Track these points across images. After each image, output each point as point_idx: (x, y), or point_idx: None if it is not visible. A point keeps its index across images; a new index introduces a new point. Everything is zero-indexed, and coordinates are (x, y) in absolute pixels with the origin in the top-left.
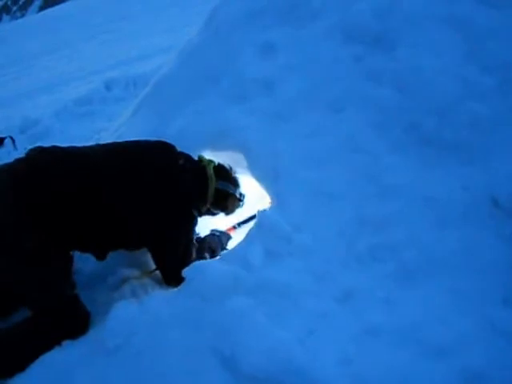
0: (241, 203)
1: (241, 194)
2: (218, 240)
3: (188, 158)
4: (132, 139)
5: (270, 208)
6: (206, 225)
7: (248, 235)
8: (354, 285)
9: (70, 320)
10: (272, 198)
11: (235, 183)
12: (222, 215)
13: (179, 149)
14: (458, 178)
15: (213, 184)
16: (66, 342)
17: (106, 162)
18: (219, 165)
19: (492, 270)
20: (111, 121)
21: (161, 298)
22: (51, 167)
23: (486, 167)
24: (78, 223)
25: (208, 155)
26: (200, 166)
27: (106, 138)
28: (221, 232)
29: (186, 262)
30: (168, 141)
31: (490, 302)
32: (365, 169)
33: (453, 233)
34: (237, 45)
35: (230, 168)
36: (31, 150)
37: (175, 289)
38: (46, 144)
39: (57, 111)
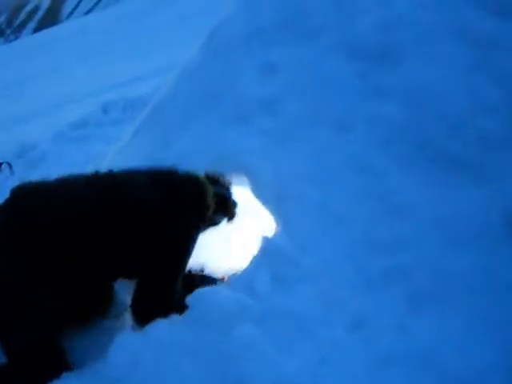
0: (235, 210)
1: (234, 201)
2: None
3: (174, 171)
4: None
5: (276, 231)
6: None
7: (253, 260)
8: (365, 310)
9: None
10: (277, 221)
11: (228, 188)
12: (224, 223)
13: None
14: (470, 196)
15: (210, 190)
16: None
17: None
18: (208, 174)
19: (507, 293)
20: (109, 144)
21: (164, 326)
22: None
23: (499, 185)
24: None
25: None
26: (192, 177)
27: (106, 162)
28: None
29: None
30: (169, 163)
31: (507, 326)
32: (373, 189)
33: (467, 254)
34: (237, 65)
35: (220, 175)
36: (14, 190)
37: (179, 317)
38: (44, 170)
39: (53, 135)
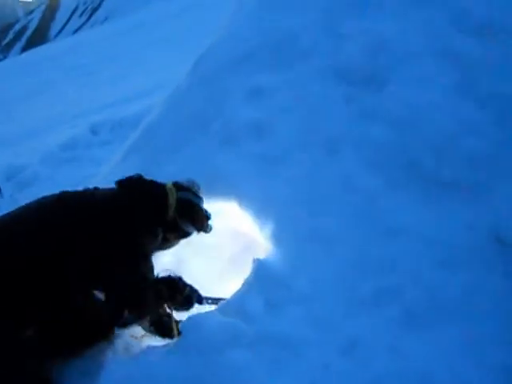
0: (209, 223)
1: (206, 211)
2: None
3: (134, 178)
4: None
5: (267, 254)
6: None
7: (245, 284)
8: (358, 332)
9: None
10: (268, 244)
11: (197, 195)
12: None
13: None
14: (460, 216)
15: (173, 193)
16: None
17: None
18: (176, 182)
19: (502, 311)
20: (99, 166)
21: (156, 353)
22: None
23: (488, 204)
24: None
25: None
26: (155, 185)
27: (95, 185)
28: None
29: (130, 301)
30: None
31: (503, 345)
32: (363, 210)
33: (458, 274)
34: (225, 89)
35: (191, 183)
36: None
37: (171, 343)
38: (33, 192)
39: (42, 157)
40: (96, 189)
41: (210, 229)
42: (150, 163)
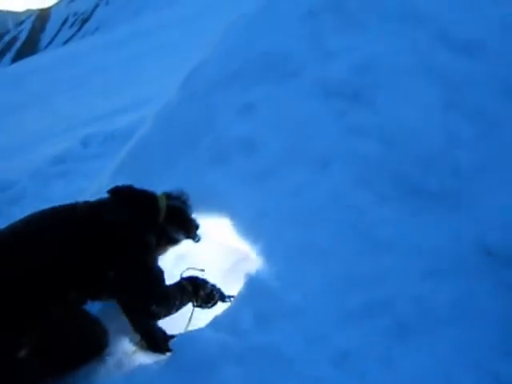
0: (197, 232)
1: (195, 220)
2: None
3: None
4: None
5: (258, 269)
6: None
7: (236, 299)
8: (349, 345)
9: None
10: (259, 259)
11: (186, 203)
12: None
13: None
14: (448, 227)
15: (163, 201)
16: None
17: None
18: (166, 192)
19: (491, 320)
20: (90, 180)
21: (148, 371)
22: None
23: (475, 215)
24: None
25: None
26: (146, 191)
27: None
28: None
29: (154, 290)
30: None
31: (493, 353)
32: (353, 224)
33: (447, 284)
34: (216, 106)
35: (181, 193)
36: None
37: (163, 360)
38: (24, 207)
39: (32, 172)
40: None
41: (199, 239)
42: (141, 180)
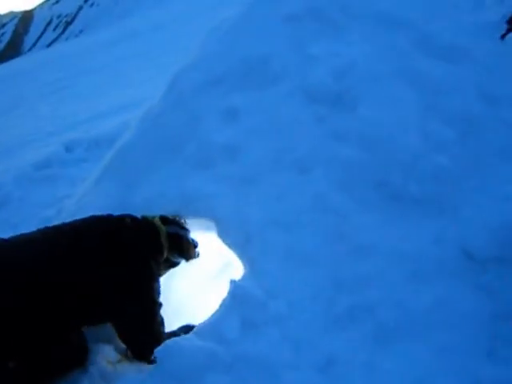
0: (196, 250)
1: (193, 240)
2: None
3: (132, 216)
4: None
5: (243, 275)
6: None
7: (222, 305)
8: (334, 351)
9: None
10: (244, 265)
11: (183, 227)
12: (183, 264)
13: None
14: (428, 231)
15: (163, 230)
16: None
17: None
18: (163, 215)
19: (472, 323)
20: (74, 185)
21: (132, 380)
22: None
23: (455, 219)
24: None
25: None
26: (145, 221)
27: (69, 206)
28: None
29: (156, 331)
30: (134, 211)
31: (474, 356)
32: (336, 229)
33: (429, 288)
34: (199, 111)
35: (175, 217)
36: None
37: (148, 369)
38: (7, 212)
39: (15, 177)
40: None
41: (198, 255)
42: (125, 185)
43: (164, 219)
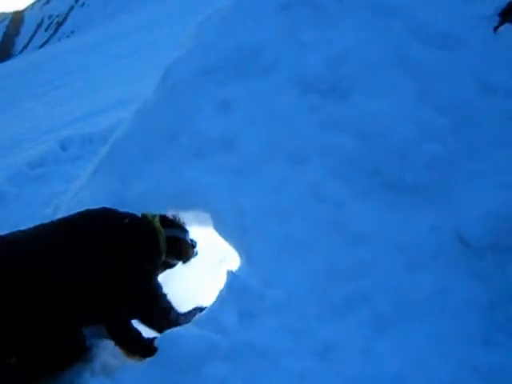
0: (194, 250)
1: (192, 240)
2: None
3: (132, 216)
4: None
5: (240, 266)
6: None
7: (219, 296)
8: (332, 338)
9: None
10: (240, 256)
11: (183, 229)
12: (180, 265)
13: (121, 210)
14: (424, 219)
15: (162, 233)
16: None
17: (52, 242)
18: (163, 215)
19: (468, 310)
20: (69, 182)
21: (134, 371)
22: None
23: (450, 207)
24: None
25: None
26: (145, 221)
27: (66, 202)
28: None
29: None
30: (130, 204)
31: (470, 343)
32: (331, 218)
33: (425, 275)
34: (194, 103)
35: (175, 217)
36: None
37: (149, 359)
38: (3, 211)
39: (10, 175)
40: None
41: (196, 254)
42: (120, 178)
43: (164, 220)
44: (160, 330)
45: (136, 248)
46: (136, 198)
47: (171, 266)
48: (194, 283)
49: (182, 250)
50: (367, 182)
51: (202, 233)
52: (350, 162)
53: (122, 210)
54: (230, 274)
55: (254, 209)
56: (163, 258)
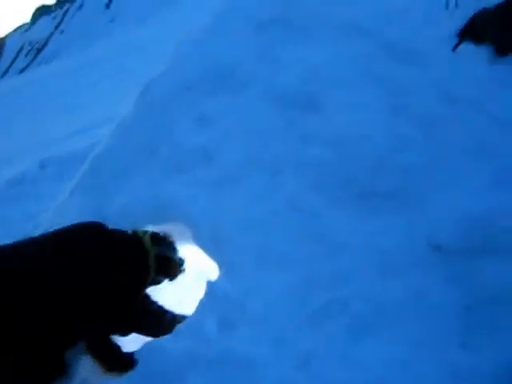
0: (182, 268)
1: (180, 259)
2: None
3: (122, 233)
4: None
5: (219, 277)
6: None
7: (200, 307)
8: (311, 347)
9: None
10: (220, 267)
11: (172, 247)
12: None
13: (111, 227)
14: (399, 226)
15: (152, 251)
16: None
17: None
18: (154, 233)
19: (444, 314)
20: (48, 201)
21: None
22: None
23: (423, 213)
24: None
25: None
26: (136, 238)
27: (47, 219)
28: None
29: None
30: (111, 218)
31: (448, 346)
32: (308, 228)
33: (401, 281)
34: (173, 117)
35: (166, 234)
36: None
37: (130, 372)
38: None
39: None
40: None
41: (183, 272)
42: (100, 194)
43: (154, 238)
44: (157, 335)
45: (125, 265)
46: (117, 212)
47: (158, 282)
48: (175, 295)
49: (171, 269)
50: (342, 191)
51: (181, 245)
52: (326, 173)
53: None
54: (210, 284)
55: (232, 221)
56: (152, 275)
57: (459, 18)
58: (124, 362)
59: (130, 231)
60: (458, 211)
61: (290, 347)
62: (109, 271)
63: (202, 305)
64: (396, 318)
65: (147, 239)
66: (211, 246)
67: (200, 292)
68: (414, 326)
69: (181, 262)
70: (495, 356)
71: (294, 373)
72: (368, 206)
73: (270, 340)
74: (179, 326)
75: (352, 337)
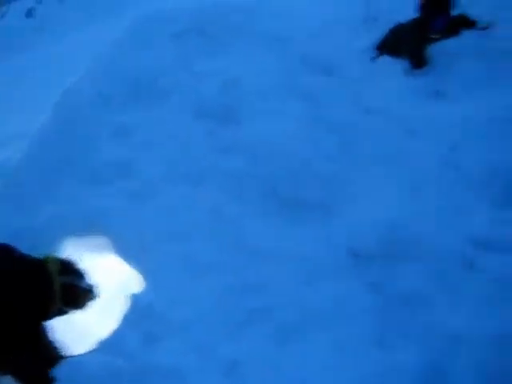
0: (92, 294)
1: (89, 285)
2: None
3: (30, 259)
4: None
5: (143, 288)
6: None
7: (123, 320)
8: (237, 354)
9: None
10: (144, 278)
11: (80, 275)
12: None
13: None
14: (319, 233)
15: (56, 280)
16: None
17: None
18: (63, 260)
19: (364, 316)
20: None
21: None
22: None
23: (342, 221)
24: None
25: (73, 243)
26: (41, 265)
27: None
28: None
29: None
30: (34, 236)
31: (367, 347)
32: (231, 237)
33: (323, 286)
34: (90, 129)
35: (72, 261)
36: None
37: None
38: None
39: None
40: None
41: (94, 298)
42: (21, 211)
43: (62, 265)
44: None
45: (26, 294)
46: (39, 228)
47: (65, 313)
48: (98, 311)
49: (79, 299)
50: (264, 201)
51: (103, 258)
52: (247, 183)
53: (20, 241)
54: (133, 298)
55: (154, 231)
56: (57, 305)
57: (377, 32)
58: (43, 381)
59: (38, 257)
60: (373, 218)
61: (216, 355)
62: (6, 297)
63: (126, 318)
64: (319, 324)
65: (52, 267)
66: (135, 257)
67: (121, 306)
68: (337, 329)
69: (91, 289)
70: (411, 354)
71: (221, 380)
72: (290, 215)
73: (195, 349)
74: (103, 340)
75: (277, 343)
